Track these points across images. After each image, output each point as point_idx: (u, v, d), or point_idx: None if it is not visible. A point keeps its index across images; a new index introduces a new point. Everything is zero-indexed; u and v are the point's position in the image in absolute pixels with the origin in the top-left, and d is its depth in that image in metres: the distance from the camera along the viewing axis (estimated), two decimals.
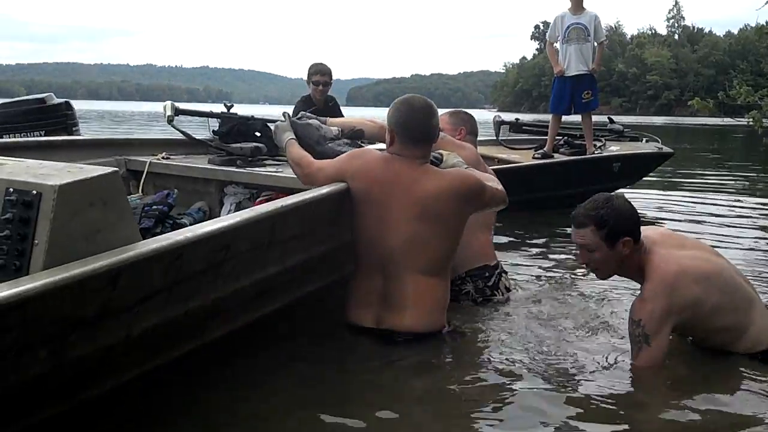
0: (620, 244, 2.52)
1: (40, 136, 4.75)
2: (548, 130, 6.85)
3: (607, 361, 2.63)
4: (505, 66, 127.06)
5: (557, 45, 6.71)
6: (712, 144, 22.10)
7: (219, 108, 4.19)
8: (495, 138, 7.20)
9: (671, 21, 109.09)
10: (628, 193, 7.91)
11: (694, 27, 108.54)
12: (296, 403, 2.29)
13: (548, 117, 6.90)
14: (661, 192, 8.18)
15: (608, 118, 8.72)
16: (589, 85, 6.70)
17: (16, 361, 1.62)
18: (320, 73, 5.41)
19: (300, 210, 2.51)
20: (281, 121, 3.33)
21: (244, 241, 2.29)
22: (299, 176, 3.00)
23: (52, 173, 1.81)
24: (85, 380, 1.91)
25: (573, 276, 4.00)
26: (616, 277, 2.71)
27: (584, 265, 2.75)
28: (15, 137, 4.63)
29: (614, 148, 7.00)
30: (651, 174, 7.72)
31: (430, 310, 2.77)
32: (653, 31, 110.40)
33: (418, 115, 2.79)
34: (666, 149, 7.32)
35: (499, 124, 7.28)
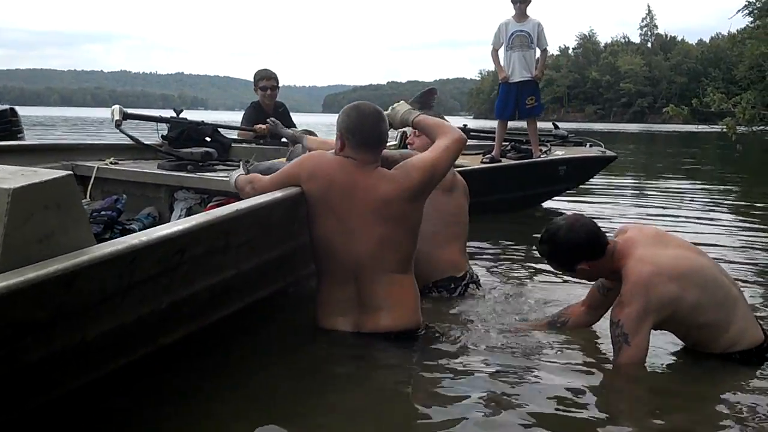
0: (578, 269, 2.65)
1: None
2: (495, 136, 6.98)
3: (586, 360, 2.67)
4: (480, 73, 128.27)
5: (501, 52, 6.85)
6: (688, 149, 22.69)
7: (197, 114, 4.15)
8: None
9: (644, 29, 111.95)
10: (598, 199, 8.17)
11: (666, 35, 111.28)
12: (267, 408, 2.28)
13: (495, 124, 7.03)
14: (636, 198, 8.52)
15: (553, 123, 8.92)
16: (533, 91, 6.84)
17: None
18: (266, 78, 5.38)
19: (255, 214, 2.52)
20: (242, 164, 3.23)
21: (199, 245, 2.28)
22: (251, 194, 2.82)
23: (6, 177, 1.78)
24: (39, 385, 1.88)
25: (538, 278, 4.07)
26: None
27: None
28: None
29: (559, 153, 7.16)
30: (598, 177, 7.91)
31: (407, 308, 2.81)
32: (626, 39, 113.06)
33: (369, 120, 2.81)
34: (609, 153, 7.53)
35: None
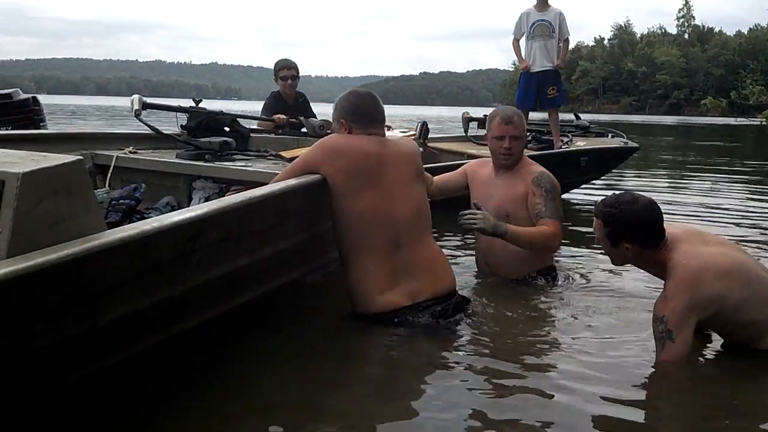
0: (622, 247, 2.60)
1: (7, 130, 4.67)
2: None
3: (630, 356, 2.63)
4: (513, 64, 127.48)
5: (522, 41, 6.79)
6: (726, 142, 22.34)
7: (224, 104, 4.18)
8: (464, 134, 7.25)
9: (681, 20, 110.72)
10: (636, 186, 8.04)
11: (704, 26, 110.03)
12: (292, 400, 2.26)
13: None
14: (670, 191, 8.39)
15: (574, 114, 8.86)
16: (554, 81, 6.80)
17: None
18: (287, 68, 5.37)
19: (269, 201, 2.51)
20: None
21: (213, 232, 2.28)
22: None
23: (16, 161, 1.78)
24: (49, 371, 1.88)
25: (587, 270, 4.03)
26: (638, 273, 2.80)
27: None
28: None
29: (581, 143, 7.10)
30: (629, 169, 7.80)
31: (448, 268, 2.94)
32: (663, 31, 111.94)
33: (368, 98, 2.96)
34: (631, 144, 7.44)
35: (467, 120, 7.33)
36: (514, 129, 3.46)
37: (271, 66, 5.59)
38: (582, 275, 3.75)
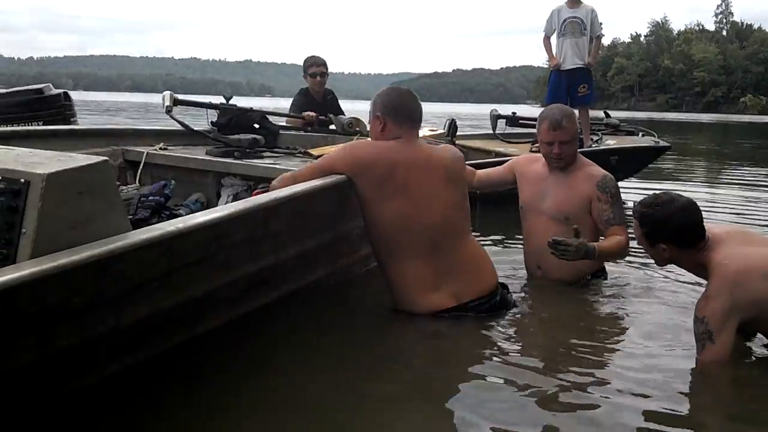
0: (659, 247, 2.56)
1: (38, 125, 4.72)
2: None
3: (668, 354, 2.60)
4: (547, 61, 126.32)
5: (553, 38, 6.72)
6: (765, 140, 21.76)
7: (258, 102, 4.19)
8: (492, 132, 7.19)
9: (719, 16, 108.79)
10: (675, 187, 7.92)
11: (742, 23, 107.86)
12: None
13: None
14: (708, 187, 8.23)
15: (604, 112, 8.75)
16: (585, 79, 6.72)
17: (2, 350, 1.61)
18: (316, 65, 5.36)
19: (294, 202, 2.50)
20: None
21: (237, 233, 2.27)
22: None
23: (42, 162, 1.79)
24: (72, 371, 1.89)
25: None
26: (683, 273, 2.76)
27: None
28: (10, 128, 4.59)
29: (611, 142, 7.01)
30: (665, 167, 7.66)
31: (491, 264, 2.93)
32: (701, 27, 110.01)
33: (408, 96, 2.91)
34: (663, 143, 7.32)
35: (495, 117, 7.27)
36: (564, 134, 3.33)
37: None
38: (631, 276, 3.68)
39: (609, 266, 3.60)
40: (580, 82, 6.67)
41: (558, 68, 6.70)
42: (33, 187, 1.70)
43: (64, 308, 1.71)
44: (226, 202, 3.58)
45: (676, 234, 2.53)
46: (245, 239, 2.33)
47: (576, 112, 6.85)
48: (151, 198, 3.47)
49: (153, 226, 1.97)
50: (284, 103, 5.85)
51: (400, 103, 2.85)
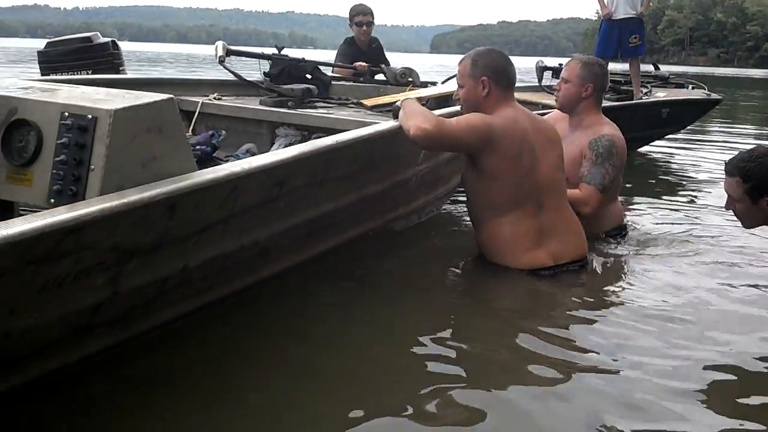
0: (764, 202, 2.47)
1: (87, 74, 4.72)
2: None
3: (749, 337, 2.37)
4: (597, 13, 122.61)
5: None
6: None
7: (300, 53, 4.13)
8: (537, 84, 7.01)
9: None
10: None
11: None
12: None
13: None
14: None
15: (653, 64, 8.56)
16: (637, 30, 6.56)
17: (73, 288, 1.60)
18: (362, 13, 5.26)
19: (356, 146, 2.45)
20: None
21: (299, 177, 2.24)
22: (422, 133, 2.50)
23: (108, 98, 1.77)
24: (140, 312, 1.89)
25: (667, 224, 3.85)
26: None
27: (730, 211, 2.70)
28: (63, 75, 4.61)
29: (661, 95, 6.82)
30: (713, 123, 7.45)
31: (582, 231, 2.89)
32: None
33: (508, 60, 2.84)
34: (714, 95, 7.13)
35: (541, 69, 7.07)
36: (565, 71, 3.35)
37: (346, 14, 5.48)
38: (657, 233, 3.58)
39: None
40: (632, 33, 6.51)
41: (609, 18, 6.51)
42: (100, 122, 1.67)
43: (135, 247, 1.70)
44: None
45: None
46: (307, 183, 2.29)
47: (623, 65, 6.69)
48: (198, 147, 3.44)
49: (219, 166, 1.94)
50: (325, 55, 5.76)
51: (505, 66, 2.78)
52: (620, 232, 3.41)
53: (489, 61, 2.75)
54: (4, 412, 1.61)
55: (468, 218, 3.71)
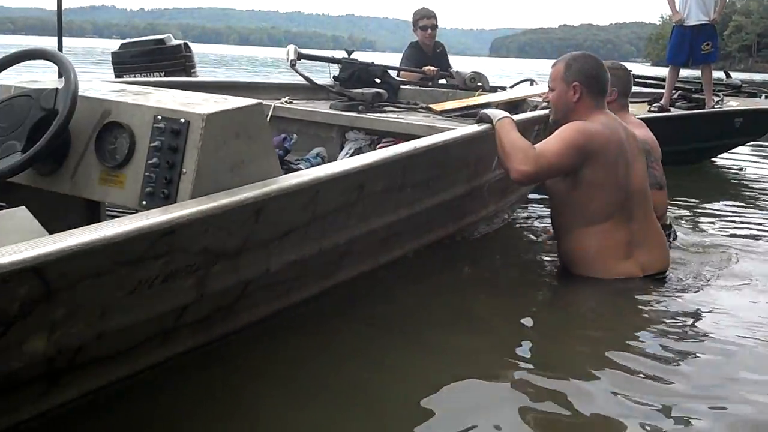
0: None
1: (160, 76, 4.79)
2: (665, 83, 6.50)
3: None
4: (661, 18, 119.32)
5: None
6: None
7: (360, 56, 4.14)
8: None
9: None
10: None
11: None
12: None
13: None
14: None
15: (725, 72, 8.25)
16: (710, 36, 6.36)
17: (163, 290, 1.62)
18: (426, 17, 5.23)
19: (433, 152, 2.43)
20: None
21: (378, 182, 2.24)
22: (523, 177, 2.58)
23: (199, 102, 1.79)
24: (223, 315, 1.91)
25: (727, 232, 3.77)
26: None
27: None
28: (135, 77, 4.70)
29: (733, 104, 6.62)
30: None
31: (666, 242, 2.88)
32: None
33: (602, 66, 2.78)
34: None
35: None
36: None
37: (406, 18, 5.45)
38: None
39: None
40: (704, 40, 6.31)
41: (681, 24, 6.32)
42: (193, 126, 1.69)
43: (221, 249, 1.71)
44: (348, 156, 3.55)
45: None
46: (385, 188, 2.29)
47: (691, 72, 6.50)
48: None
49: (303, 171, 1.95)
50: (385, 57, 5.74)
51: (600, 73, 2.73)
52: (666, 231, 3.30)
53: (582, 66, 2.70)
54: (101, 411, 1.64)
55: (537, 226, 3.67)
